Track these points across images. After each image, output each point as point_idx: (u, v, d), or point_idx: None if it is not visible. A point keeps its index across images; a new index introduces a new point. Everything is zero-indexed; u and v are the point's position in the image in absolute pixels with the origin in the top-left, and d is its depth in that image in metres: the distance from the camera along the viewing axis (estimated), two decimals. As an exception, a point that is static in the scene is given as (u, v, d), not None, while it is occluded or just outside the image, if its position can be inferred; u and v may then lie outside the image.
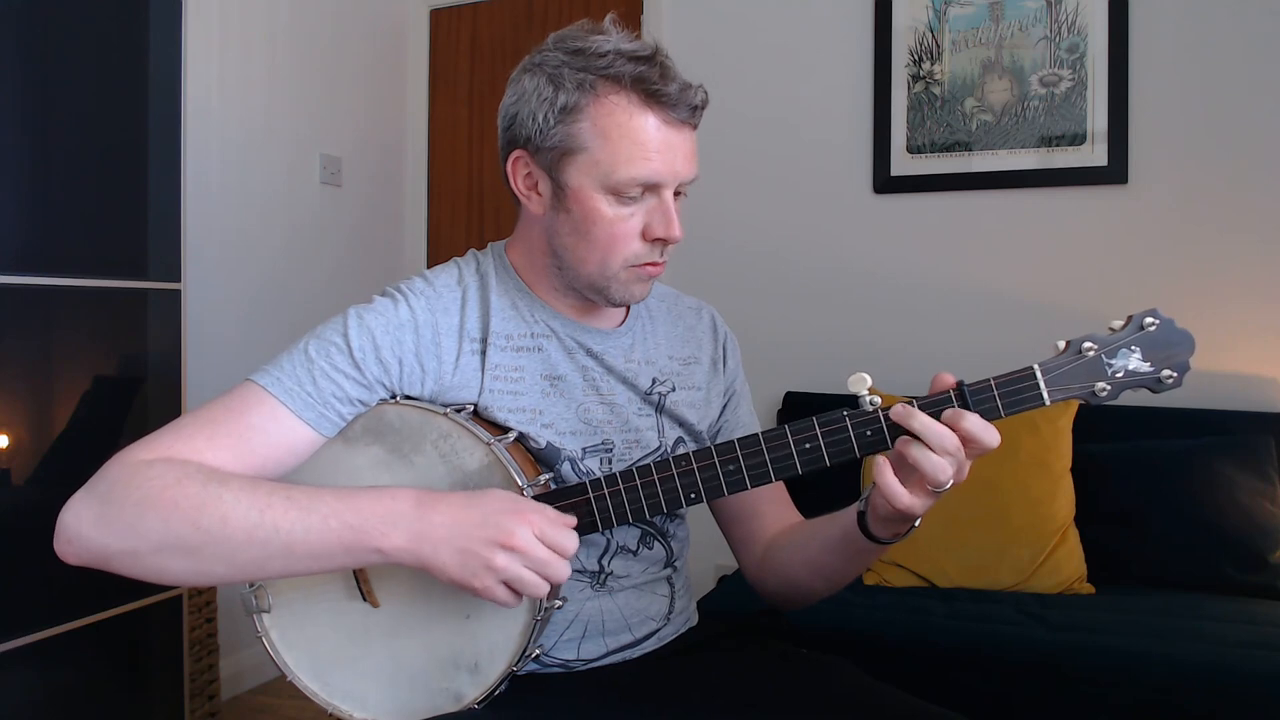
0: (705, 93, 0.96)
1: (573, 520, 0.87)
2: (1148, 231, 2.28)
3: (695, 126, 0.96)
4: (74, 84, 1.72)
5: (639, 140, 0.91)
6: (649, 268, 0.97)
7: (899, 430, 0.83)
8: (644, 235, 0.95)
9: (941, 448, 0.80)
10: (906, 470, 0.83)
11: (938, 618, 1.77)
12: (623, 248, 0.95)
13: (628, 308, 1.09)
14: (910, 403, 0.84)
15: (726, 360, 1.16)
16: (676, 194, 0.97)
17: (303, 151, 2.70)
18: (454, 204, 3.15)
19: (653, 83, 0.91)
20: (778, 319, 2.61)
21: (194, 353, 1.99)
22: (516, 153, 0.98)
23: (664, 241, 0.96)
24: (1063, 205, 2.36)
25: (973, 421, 0.81)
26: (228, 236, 2.44)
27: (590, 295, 1.00)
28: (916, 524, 0.89)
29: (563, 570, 0.83)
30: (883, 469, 0.84)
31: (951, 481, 0.82)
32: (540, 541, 0.82)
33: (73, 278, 1.72)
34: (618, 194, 0.93)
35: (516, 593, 0.83)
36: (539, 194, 0.98)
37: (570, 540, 0.84)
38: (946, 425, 0.81)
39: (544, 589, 0.83)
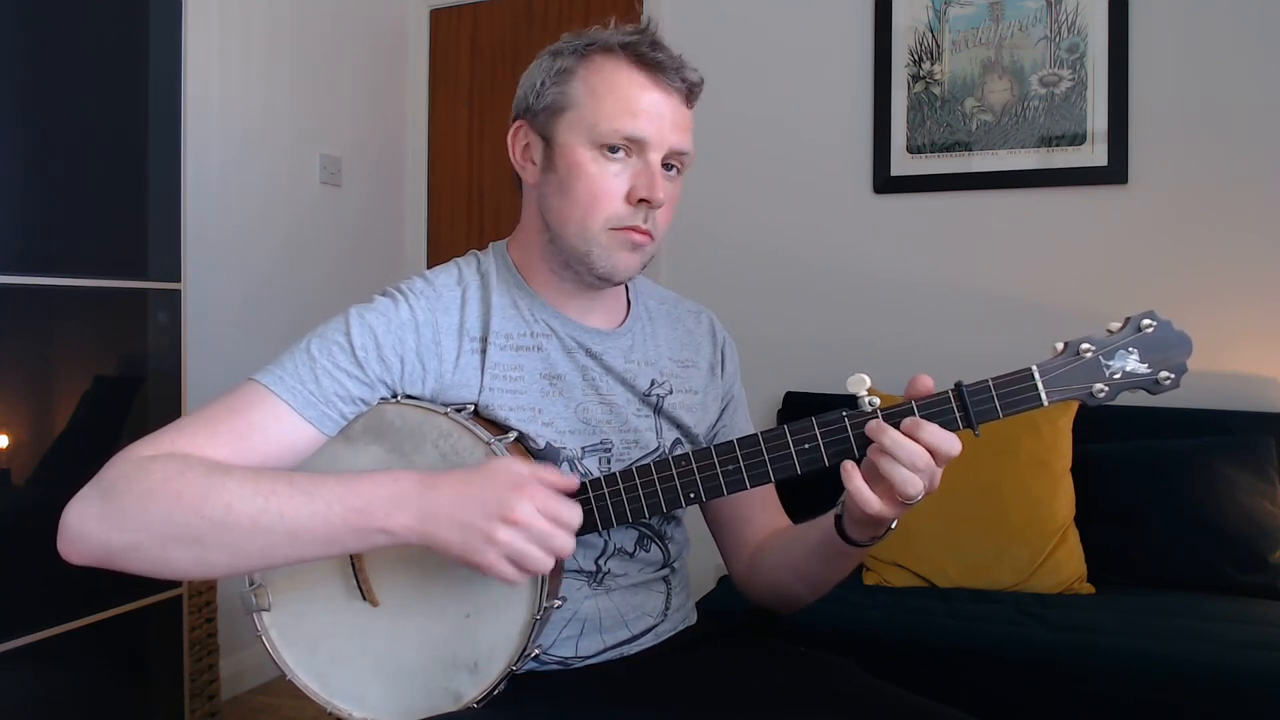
0: (701, 76, 0.98)
1: (575, 482, 0.87)
2: (1147, 231, 2.28)
3: (688, 100, 0.98)
4: (74, 84, 1.72)
5: (624, 96, 0.94)
6: (632, 233, 0.96)
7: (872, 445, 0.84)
8: (628, 198, 0.95)
9: (911, 464, 0.81)
10: (877, 479, 0.84)
11: (938, 618, 1.77)
12: (604, 206, 0.95)
13: (628, 308, 1.09)
14: (909, 404, 0.84)
15: (725, 365, 1.16)
16: (671, 167, 0.98)
17: (303, 151, 2.70)
18: (454, 204, 3.15)
19: (643, 47, 0.94)
20: (778, 319, 2.61)
21: (194, 353, 1.99)
22: (516, 123, 1.01)
23: (648, 205, 0.95)
24: (1063, 205, 2.36)
25: (931, 432, 0.82)
26: (227, 236, 2.44)
27: (577, 267, 0.99)
28: (893, 526, 0.90)
29: (566, 543, 0.82)
30: (850, 475, 0.84)
31: (923, 494, 0.82)
32: (542, 514, 0.81)
33: (73, 278, 1.72)
34: (602, 149, 0.94)
35: (522, 569, 0.82)
36: (533, 162, 1.00)
37: (573, 513, 0.83)
38: (907, 434, 0.82)
39: (548, 564, 0.82)
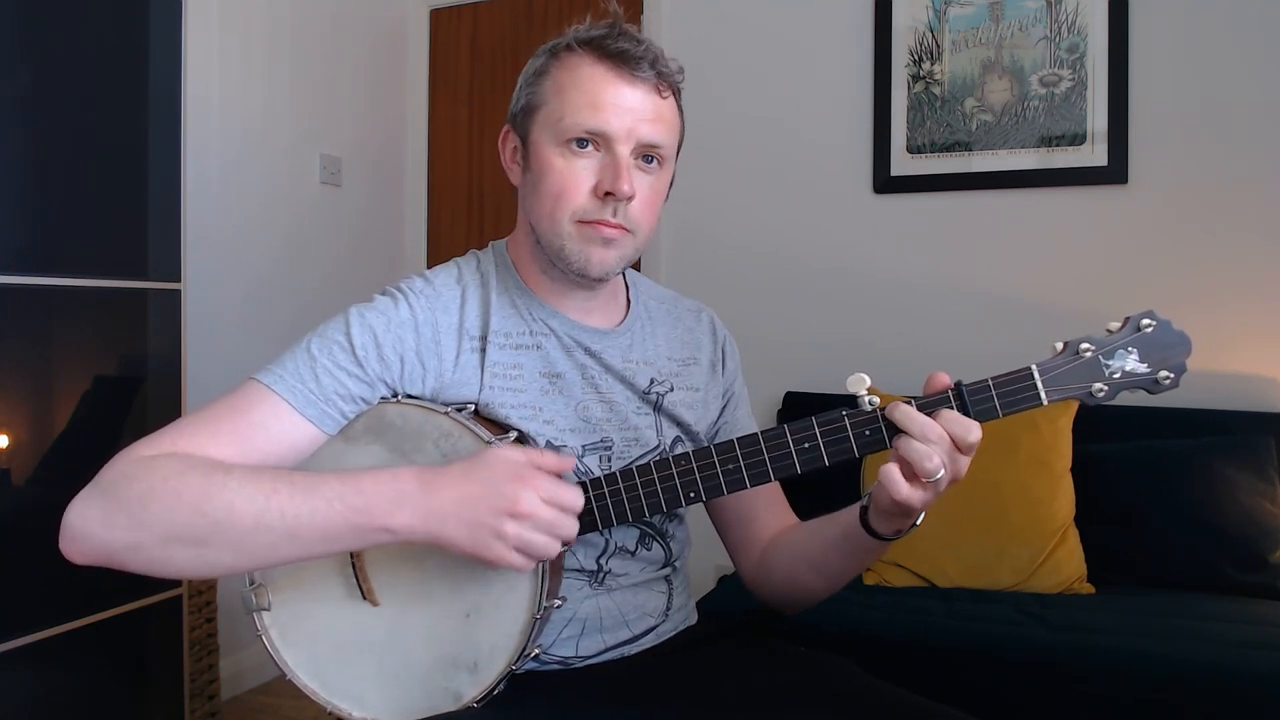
0: (680, 66, 0.98)
1: (571, 462, 0.89)
2: (1147, 231, 2.28)
3: (662, 90, 0.96)
4: (74, 84, 1.72)
5: (587, 90, 0.94)
6: (601, 227, 0.95)
7: (895, 429, 0.84)
8: (594, 192, 0.95)
9: (923, 435, 0.82)
10: (905, 465, 0.84)
11: (938, 618, 1.77)
12: (570, 200, 0.95)
13: (628, 307, 1.09)
14: (909, 403, 0.84)
15: (725, 363, 1.16)
16: (651, 160, 0.97)
17: (303, 151, 2.70)
18: (454, 204, 3.15)
19: (608, 40, 0.94)
20: (778, 319, 2.61)
21: (194, 353, 1.99)
22: (505, 128, 1.03)
23: (614, 197, 0.94)
24: (1062, 205, 2.36)
25: (946, 419, 0.82)
26: (227, 236, 2.44)
27: (559, 264, 0.99)
28: (918, 521, 0.90)
29: (571, 527, 0.84)
30: (891, 462, 0.84)
31: (943, 473, 0.82)
32: (546, 503, 0.82)
33: (73, 278, 1.72)
34: (568, 144, 0.94)
35: (530, 557, 0.83)
36: (517, 164, 1.02)
37: (575, 497, 0.85)
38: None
39: (555, 550, 0.84)
